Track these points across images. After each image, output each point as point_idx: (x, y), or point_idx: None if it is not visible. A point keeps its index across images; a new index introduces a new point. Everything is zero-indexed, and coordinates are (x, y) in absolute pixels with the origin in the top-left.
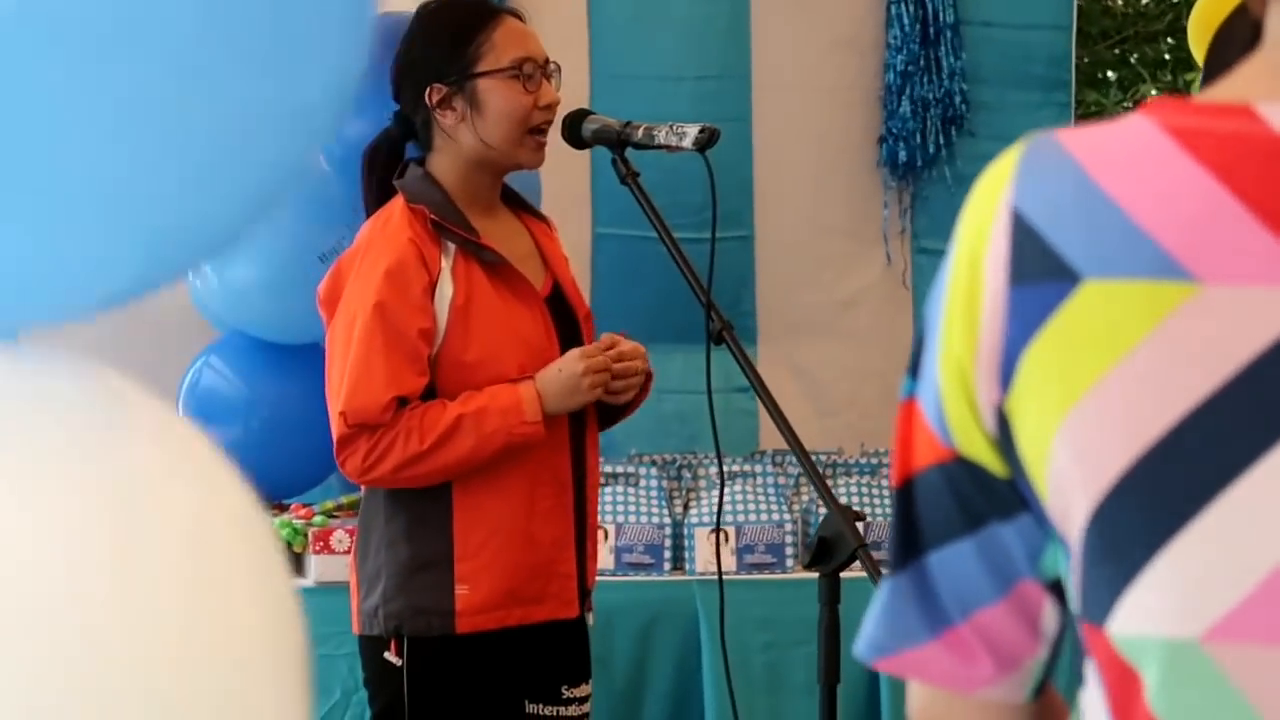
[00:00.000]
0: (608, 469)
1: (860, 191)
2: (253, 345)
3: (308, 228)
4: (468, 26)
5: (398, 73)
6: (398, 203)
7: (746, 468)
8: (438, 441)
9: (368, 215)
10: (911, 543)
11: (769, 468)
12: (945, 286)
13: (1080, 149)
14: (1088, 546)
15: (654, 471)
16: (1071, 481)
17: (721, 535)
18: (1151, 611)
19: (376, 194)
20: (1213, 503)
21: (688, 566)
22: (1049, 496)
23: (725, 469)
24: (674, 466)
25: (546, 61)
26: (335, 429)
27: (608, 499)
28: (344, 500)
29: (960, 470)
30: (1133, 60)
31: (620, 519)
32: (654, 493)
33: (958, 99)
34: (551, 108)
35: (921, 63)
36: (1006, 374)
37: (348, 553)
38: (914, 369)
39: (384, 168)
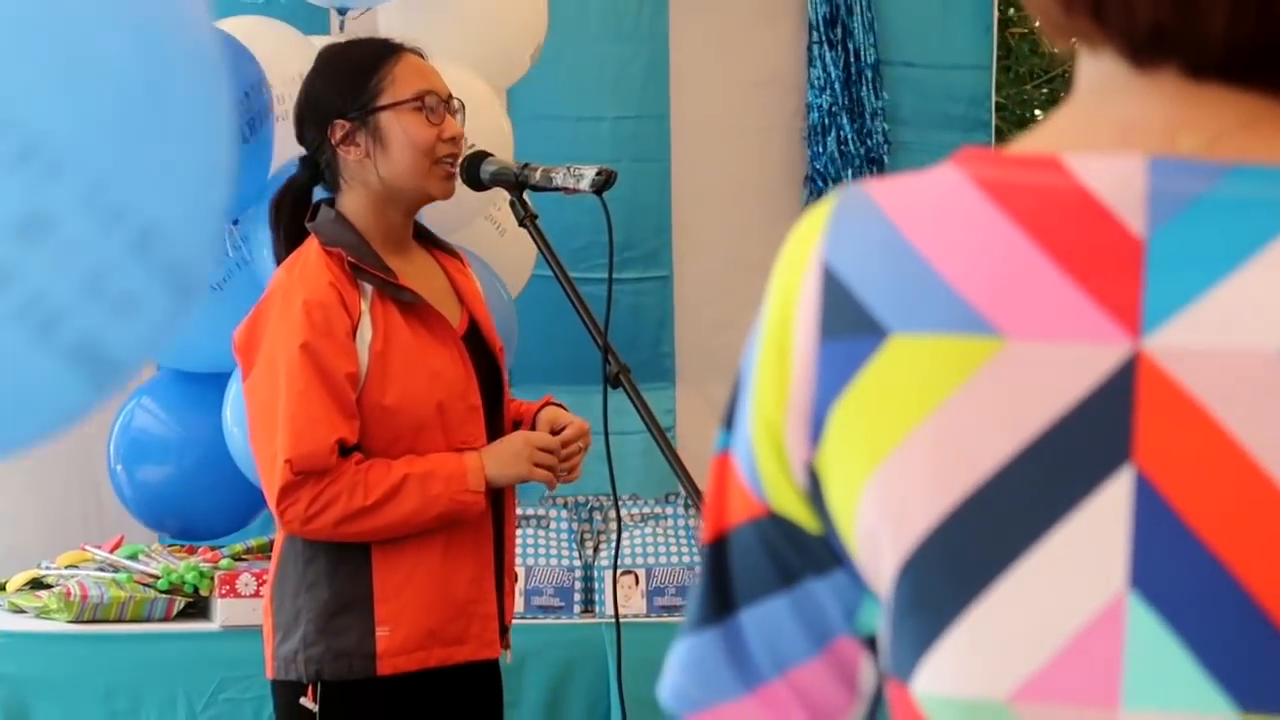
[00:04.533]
0: (518, 511)
1: (781, 231)
2: (183, 385)
3: None
4: (368, 62)
5: (300, 113)
6: (312, 245)
7: (659, 510)
8: (382, 498)
9: (278, 263)
10: (723, 598)
11: (680, 509)
12: (758, 341)
13: (889, 202)
14: (896, 603)
15: (564, 514)
16: (879, 538)
17: (632, 578)
18: (957, 671)
19: (286, 241)
20: (1019, 562)
21: (598, 609)
22: (859, 552)
23: (639, 510)
24: (585, 508)
25: (450, 97)
26: (276, 477)
27: (517, 541)
28: (252, 543)
29: (774, 526)
30: (1062, 99)
31: (530, 561)
32: (564, 535)
33: (880, 139)
34: (456, 140)
35: (844, 102)
36: (816, 430)
37: (255, 595)
38: (729, 423)
39: (291, 214)
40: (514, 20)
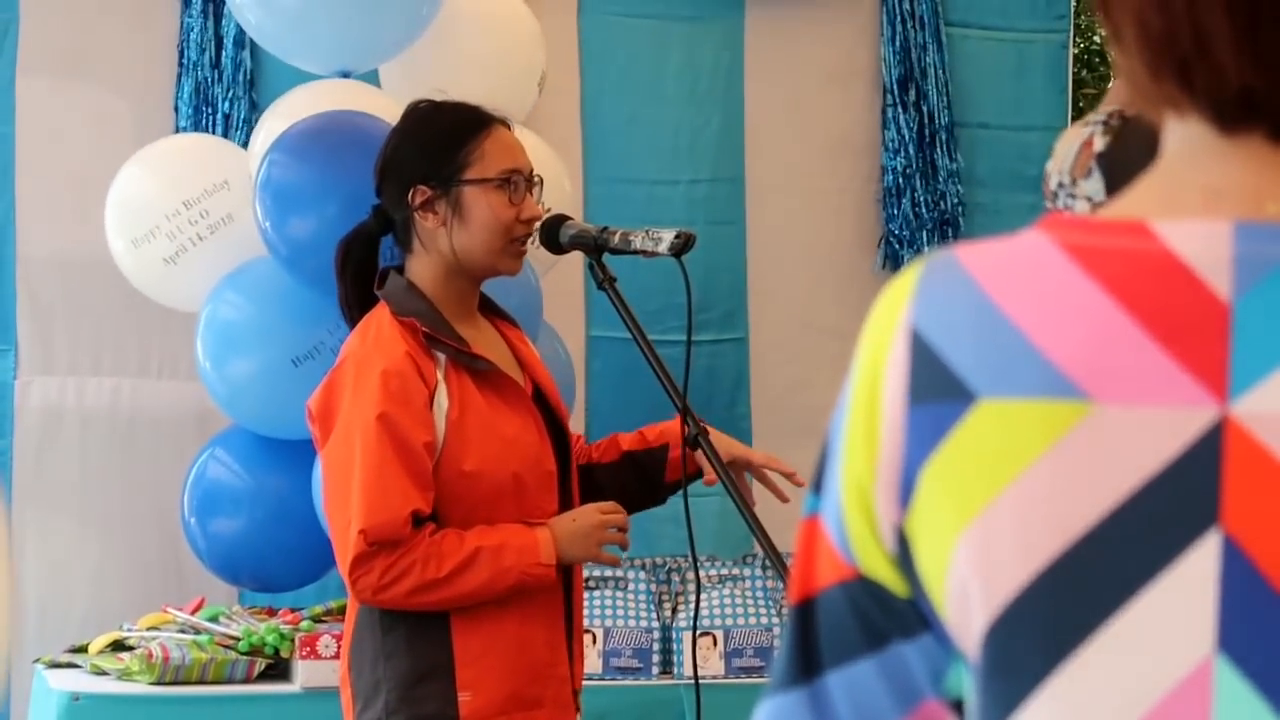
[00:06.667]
0: (595, 572)
1: (855, 293)
2: (257, 438)
3: (287, 332)
4: (459, 132)
5: (382, 168)
6: (384, 314)
7: (736, 571)
8: (455, 570)
9: (345, 309)
10: (810, 660)
11: (759, 571)
12: (846, 405)
13: (977, 267)
14: (983, 664)
15: (642, 575)
16: (969, 600)
17: (710, 639)
18: None
19: (354, 290)
20: (1107, 624)
21: (676, 670)
22: (948, 615)
23: (717, 572)
24: (663, 570)
25: (532, 173)
26: (350, 547)
27: (595, 603)
28: (332, 605)
29: (862, 589)
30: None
31: (609, 622)
32: (642, 596)
33: (953, 201)
34: (533, 221)
35: (919, 165)
36: (905, 494)
37: (335, 657)
38: (817, 486)
39: (358, 263)
40: (516, 54)
